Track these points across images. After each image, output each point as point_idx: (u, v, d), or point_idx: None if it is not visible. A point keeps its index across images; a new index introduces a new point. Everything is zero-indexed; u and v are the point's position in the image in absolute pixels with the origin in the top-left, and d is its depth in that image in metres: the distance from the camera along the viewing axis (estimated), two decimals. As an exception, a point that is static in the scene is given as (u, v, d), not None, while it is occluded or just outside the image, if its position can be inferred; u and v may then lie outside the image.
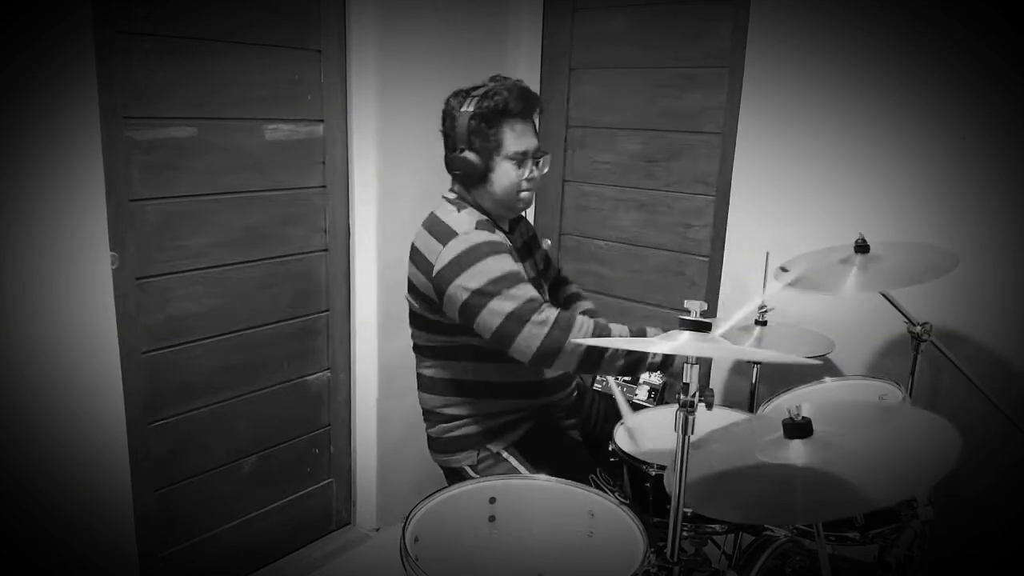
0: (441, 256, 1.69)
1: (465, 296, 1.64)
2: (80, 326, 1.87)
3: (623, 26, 2.71)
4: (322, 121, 2.47)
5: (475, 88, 1.78)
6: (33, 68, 1.71)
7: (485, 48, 2.77)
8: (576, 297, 2.12)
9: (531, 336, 1.60)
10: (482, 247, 1.67)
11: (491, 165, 1.76)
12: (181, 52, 2.09)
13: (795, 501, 1.25)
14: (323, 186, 2.52)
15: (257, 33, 2.25)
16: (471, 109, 1.73)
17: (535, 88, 2.87)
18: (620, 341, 1.62)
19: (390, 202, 2.55)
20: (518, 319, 1.61)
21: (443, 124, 1.82)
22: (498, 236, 1.73)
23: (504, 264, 1.66)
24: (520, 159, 1.77)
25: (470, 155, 1.75)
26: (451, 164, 1.79)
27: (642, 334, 1.68)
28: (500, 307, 1.62)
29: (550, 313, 1.62)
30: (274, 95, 2.33)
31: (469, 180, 1.78)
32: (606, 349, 1.61)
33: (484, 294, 1.63)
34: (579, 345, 1.58)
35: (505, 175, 1.77)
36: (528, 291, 1.64)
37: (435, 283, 1.70)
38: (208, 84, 2.17)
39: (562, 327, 1.61)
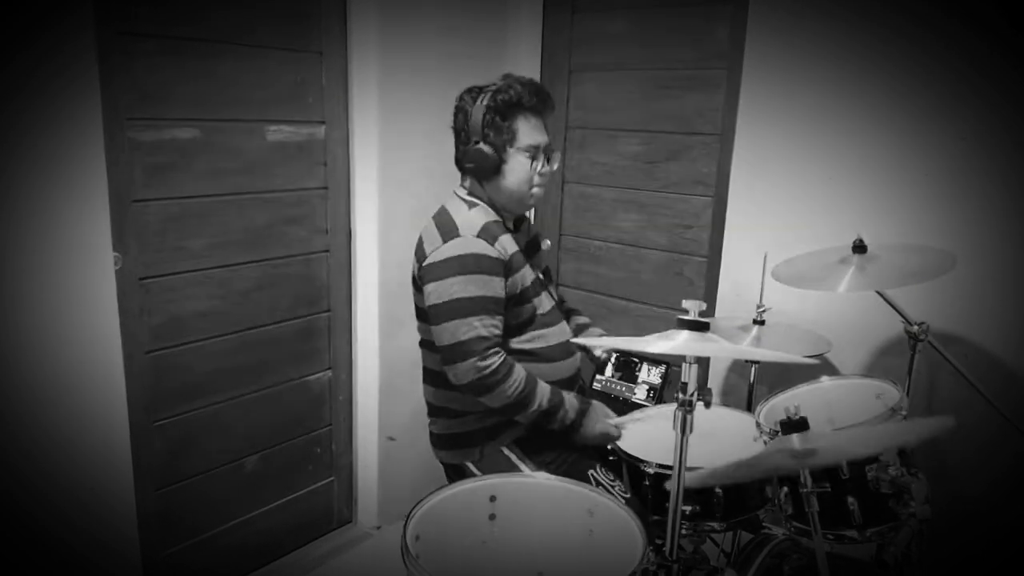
0: (437, 251, 1.73)
1: (436, 301, 1.71)
2: (83, 326, 1.88)
3: (622, 28, 2.72)
4: (323, 122, 2.48)
5: (488, 85, 1.81)
6: (34, 69, 1.71)
7: (485, 50, 2.78)
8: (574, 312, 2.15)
9: (466, 372, 1.69)
10: (474, 260, 1.70)
11: (504, 157, 1.79)
12: (183, 53, 2.10)
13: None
14: (324, 187, 2.53)
15: (259, 35, 2.26)
16: (486, 103, 1.76)
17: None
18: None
19: (391, 203, 2.56)
20: (465, 352, 1.68)
21: (455, 120, 1.84)
22: (495, 250, 1.74)
23: (485, 287, 1.70)
24: (533, 153, 1.81)
25: (484, 147, 1.77)
26: (465, 157, 1.81)
27: (559, 396, 1.77)
28: (455, 331, 1.68)
29: (494, 360, 1.69)
30: (276, 96, 2.34)
31: (483, 173, 1.80)
32: (528, 407, 1.73)
33: (450, 310, 1.69)
34: (506, 395, 1.70)
35: (520, 167, 1.80)
36: (487, 327, 1.69)
37: (422, 272, 1.76)
38: (210, 85, 2.18)
39: (499, 378, 1.69)
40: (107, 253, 1.91)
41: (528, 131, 1.80)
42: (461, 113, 1.81)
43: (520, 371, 1.72)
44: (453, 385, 1.81)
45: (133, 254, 2.07)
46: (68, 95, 1.77)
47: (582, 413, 1.78)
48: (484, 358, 1.68)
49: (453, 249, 1.71)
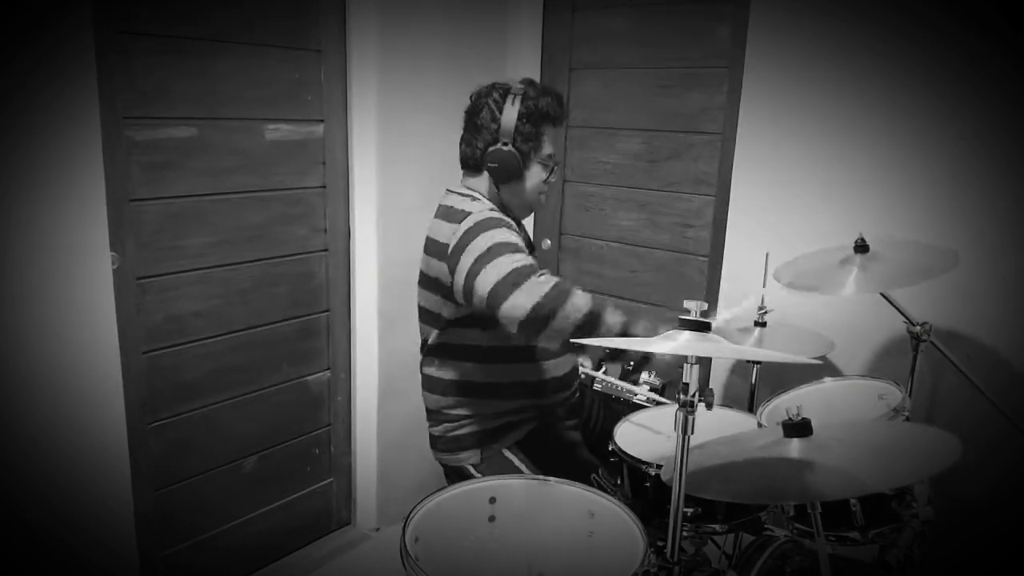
0: (460, 228, 1.69)
1: (470, 261, 1.61)
2: (80, 326, 1.87)
3: (623, 26, 2.71)
4: (322, 121, 2.47)
5: (511, 86, 1.80)
6: (33, 68, 1.71)
7: (485, 48, 2.77)
8: None
9: (522, 300, 1.50)
10: (492, 221, 1.68)
11: (527, 164, 1.80)
12: (181, 52, 2.09)
13: (789, 485, 1.27)
14: (323, 186, 2.52)
15: (257, 33, 2.25)
16: (519, 108, 1.76)
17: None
18: (611, 342, 1.62)
19: (390, 202, 2.55)
20: (512, 282, 1.52)
21: (476, 115, 1.80)
22: (509, 220, 1.74)
23: (510, 236, 1.66)
24: (548, 164, 1.83)
25: (514, 151, 1.76)
26: (490, 157, 1.78)
27: (627, 330, 1.58)
28: (497, 269, 1.56)
29: (548, 279, 1.54)
30: (274, 95, 2.33)
31: (504, 175, 1.79)
32: (597, 327, 1.53)
33: (486, 256, 1.60)
34: (568, 318, 1.50)
35: (536, 176, 1.82)
36: (529, 260, 1.60)
37: (449, 261, 1.70)
38: (208, 84, 2.17)
39: (557, 294, 1.51)
40: (104, 253, 1.91)
41: (549, 142, 1.82)
42: (487, 110, 1.78)
43: (570, 285, 1.56)
44: (460, 393, 1.80)
45: (130, 254, 2.06)
46: (66, 94, 1.77)
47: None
48: (534, 276, 1.53)
49: (473, 220, 1.69)
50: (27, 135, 1.72)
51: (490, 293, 1.54)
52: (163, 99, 2.08)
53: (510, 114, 1.75)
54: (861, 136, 2.18)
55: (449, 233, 1.73)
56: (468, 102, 1.84)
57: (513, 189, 1.82)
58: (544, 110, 1.78)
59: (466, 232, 1.67)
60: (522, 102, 1.76)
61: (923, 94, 2.07)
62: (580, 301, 1.53)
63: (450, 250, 1.70)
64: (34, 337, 1.79)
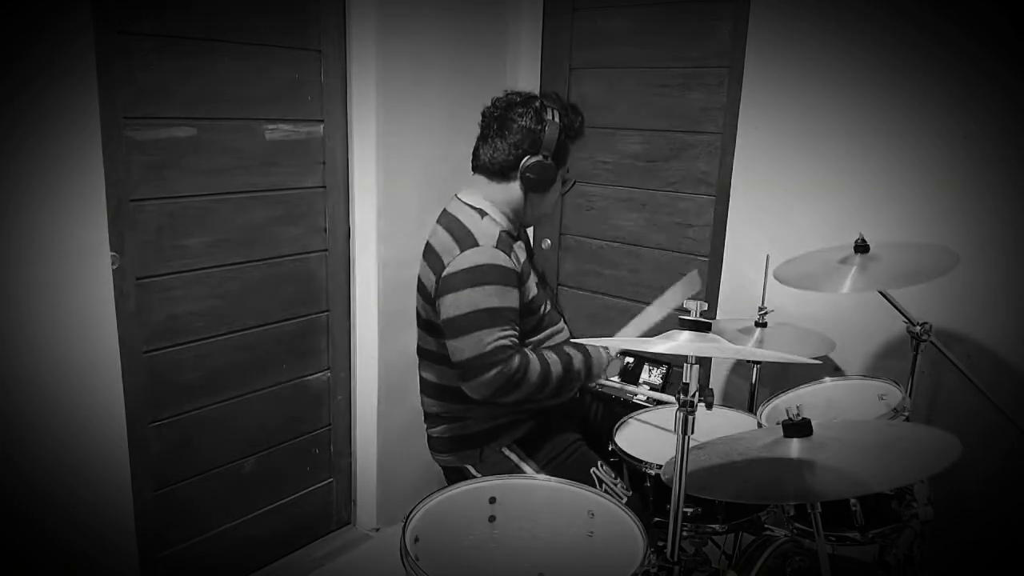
0: (456, 261, 1.69)
1: (454, 314, 1.67)
2: (80, 326, 1.87)
3: (623, 26, 2.71)
4: (322, 121, 2.47)
5: (541, 97, 1.82)
6: (34, 69, 1.71)
7: (485, 48, 2.77)
8: None
9: (491, 382, 1.66)
10: (495, 271, 1.68)
11: (556, 178, 1.82)
12: (181, 52, 2.09)
13: (789, 485, 1.27)
14: (323, 186, 2.52)
15: (257, 33, 2.25)
16: (558, 122, 1.77)
17: (535, 88, 2.87)
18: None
19: (390, 202, 2.55)
20: (489, 364, 1.65)
21: (513, 121, 1.77)
22: (512, 261, 1.72)
23: (505, 298, 1.68)
24: (569, 179, 1.89)
25: (552, 164, 1.79)
26: (530, 167, 1.77)
27: (565, 355, 1.79)
28: (477, 343, 1.65)
29: (515, 361, 1.68)
30: (274, 95, 2.33)
31: (537, 187, 1.80)
32: (547, 384, 1.74)
33: (470, 323, 1.66)
34: (530, 385, 1.70)
35: (556, 190, 1.86)
36: (508, 337, 1.68)
37: (439, 284, 1.71)
38: (208, 84, 2.17)
39: (521, 374, 1.68)
40: (104, 252, 1.91)
41: (570, 159, 1.86)
42: (529, 119, 1.76)
43: (532, 356, 1.73)
44: (459, 397, 1.79)
45: (130, 253, 2.06)
46: (67, 94, 1.77)
47: (587, 365, 1.82)
48: (507, 364, 1.66)
49: (472, 259, 1.68)
50: (27, 135, 1.72)
51: (462, 363, 1.69)
52: (163, 99, 2.08)
53: (553, 127, 1.76)
54: (861, 135, 2.17)
55: (448, 248, 1.72)
56: (480, 105, 1.84)
57: (538, 201, 1.84)
58: (576, 126, 1.82)
59: (467, 271, 1.68)
60: (561, 117, 1.78)
61: (924, 92, 2.06)
62: (533, 377, 1.70)
63: (443, 274, 1.71)
64: (34, 337, 1.79)
